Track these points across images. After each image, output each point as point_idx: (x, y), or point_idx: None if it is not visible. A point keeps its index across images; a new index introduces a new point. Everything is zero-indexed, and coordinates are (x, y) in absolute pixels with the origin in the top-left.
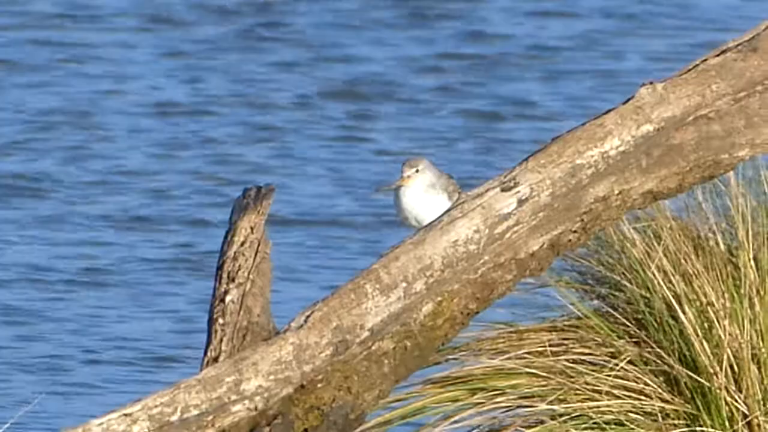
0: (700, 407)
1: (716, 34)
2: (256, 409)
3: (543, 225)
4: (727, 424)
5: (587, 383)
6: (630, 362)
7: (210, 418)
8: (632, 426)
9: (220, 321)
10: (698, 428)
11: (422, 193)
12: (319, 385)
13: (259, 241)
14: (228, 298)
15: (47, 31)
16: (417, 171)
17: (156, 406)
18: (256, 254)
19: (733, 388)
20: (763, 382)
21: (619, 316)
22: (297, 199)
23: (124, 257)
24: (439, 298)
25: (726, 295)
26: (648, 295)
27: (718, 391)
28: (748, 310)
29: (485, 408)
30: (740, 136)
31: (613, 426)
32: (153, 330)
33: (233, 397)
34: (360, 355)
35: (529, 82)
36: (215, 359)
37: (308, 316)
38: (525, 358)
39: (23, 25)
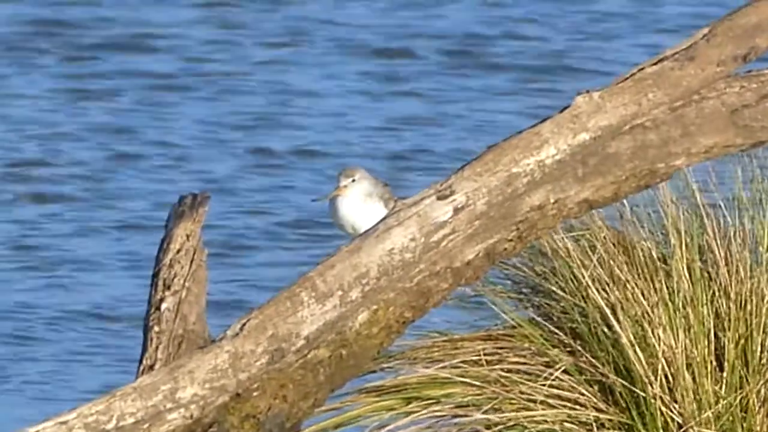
0: (635, 417)
1: None
2: (191, 417)
3: (479, 233)
4: None
5: (522, 392)
6: (565, 372)
7: (146, 426)
8: None
9: (156, 329)
10: None
11: (360, 203)
12: (255, 394)
13: (195, 249)
14: (164, 306)
15: None
16: (354, 180)
17: (92, 414)
18: (191, 262)
19: (668, 397)
20: (697, 391)
21: (553, 326)
22: None
23: None
24: (375, 307)
25: (660, 305)
26: (582, 304)
27: (652, 400)
28: (682, 320)
29: (420, 417)
30: (676, 145)
31: None
32: None
33: (169, 405)
34: (295, 363)
35: None
36: (151, 367)
37: (244, 324)
38: (460, 367)
39: None
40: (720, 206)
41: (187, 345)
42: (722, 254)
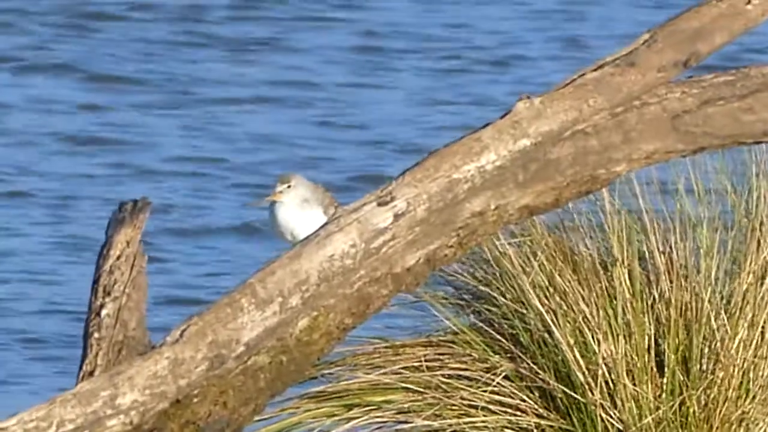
0: (576, 423)
1: None
2: (131, 423)
3: (419, 240)
4: None
5: (463, 398)
6: (506, 377)
7: None
8: None
9: (96, 335)
10: None
11: (297, 209)
12: (195, 400)
13: (135, 255)
14: (104, 312)
15: None
16: (289, 186)
17: (32, 420)
18: (131, 268)
19: (608, 403)
20: (637, 397)
21: (494, 332)
22: None
23: None
24: (315, 313)
25: (600, 311)
26: (523, 310)
27: (593, 406)
28: (623, 326)
29: (361, 423)
30: (617, 151)
31: None
32: None
33: (109, 412)
34: (236, 369)
35: None
36: (91, 373)
37: (184, 331)
38: (401, 373)
39: None
40: (662, 212)
41: (127, 351)
42: (663, 261)
